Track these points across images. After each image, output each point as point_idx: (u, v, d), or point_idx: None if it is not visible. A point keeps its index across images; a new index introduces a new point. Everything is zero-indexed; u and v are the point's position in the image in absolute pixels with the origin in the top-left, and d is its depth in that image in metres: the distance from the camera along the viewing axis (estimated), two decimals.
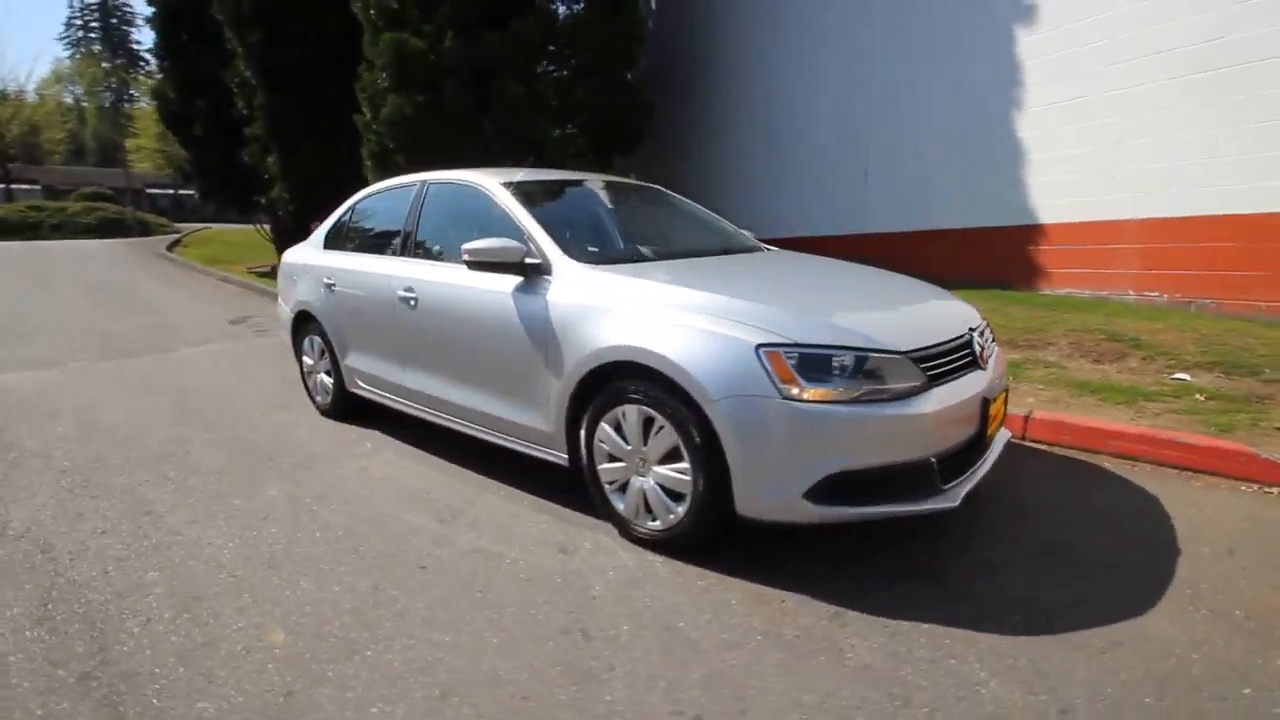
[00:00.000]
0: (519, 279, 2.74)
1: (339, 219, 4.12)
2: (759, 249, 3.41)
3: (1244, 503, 2.63)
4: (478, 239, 2.71)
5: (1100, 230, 5.60)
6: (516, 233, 2.82)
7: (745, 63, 9.26)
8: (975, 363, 2.35)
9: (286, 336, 4.52)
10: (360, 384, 3.79)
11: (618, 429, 2.41)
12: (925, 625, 1.91)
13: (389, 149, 8.57)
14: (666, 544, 2.34)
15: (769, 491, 2.07)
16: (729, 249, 3.26)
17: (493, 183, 3.10)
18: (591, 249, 2.84)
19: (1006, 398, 2.62)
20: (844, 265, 3.14)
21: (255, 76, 10.35)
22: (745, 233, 3.71)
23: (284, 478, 3.23)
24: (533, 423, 2.73)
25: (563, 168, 8.30)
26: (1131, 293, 5.46)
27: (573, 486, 2.83)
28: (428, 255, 3.28)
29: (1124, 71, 5.30)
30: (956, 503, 2.13)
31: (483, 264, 2.72)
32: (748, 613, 2.01)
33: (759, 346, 2.06)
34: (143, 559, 2.47)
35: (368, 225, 3.90)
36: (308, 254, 4.26)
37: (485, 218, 3.03)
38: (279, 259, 4.85)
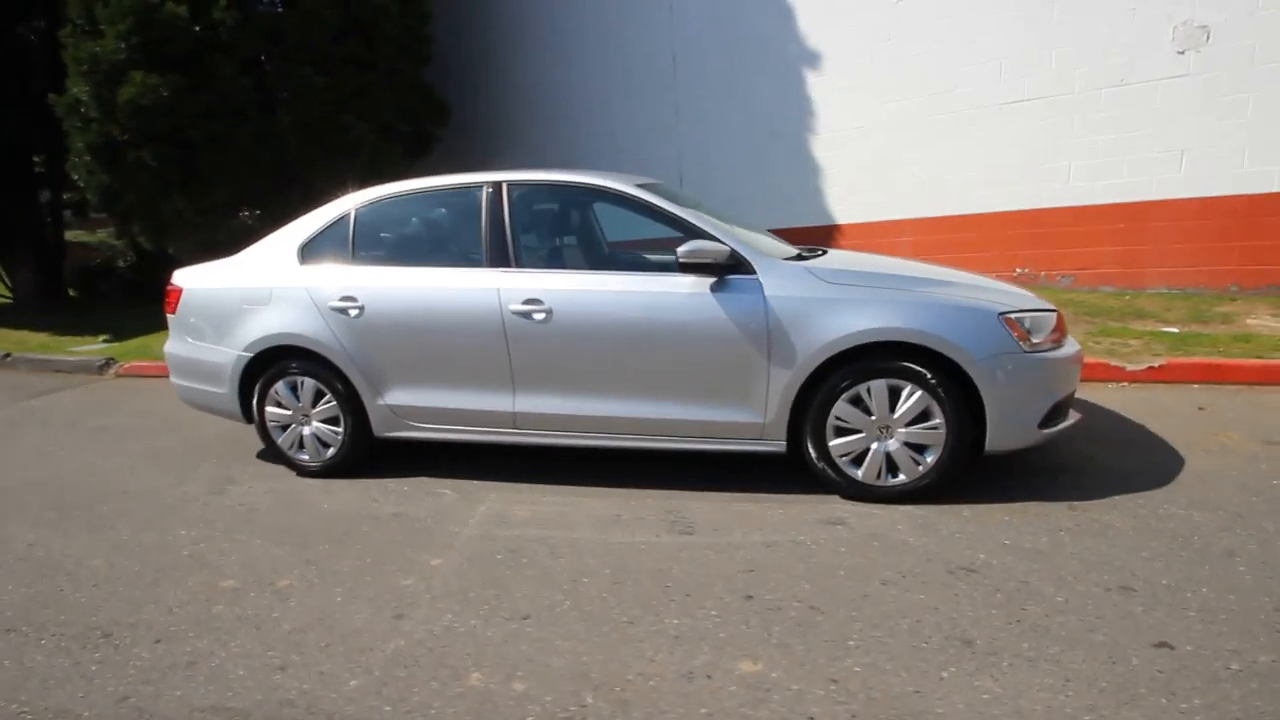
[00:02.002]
0: (709, 279, 2.77)
1: (327, 227, 3.30)
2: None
3: (1125, 394, 4.11)
4: (689, 243, 2.68)
5: (883, 228, 7.43)
6: (695, 234, 2.81)
7: (539, 69, 9.42)
8: None
9: (218, 388, 3.40)
10: (414, 423, 3.17)
11: (855, 404, 2.70)
12: (1119, 496, 2.70)
13: (121, 141, 6.53)
14: (909, 494, 2.72)
15: (1016, 427, 2.64)
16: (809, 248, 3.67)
17: (627, 185, 2.99)
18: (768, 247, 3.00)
19: None
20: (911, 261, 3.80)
21: None
22: None
23: (412, 545, 2.64)
24: (743, 418, 2.80)
25: (380, 173, 7.49)
26: None
27: (746, 472, 3.01)
28: (550, 264, 2.96)
29: (889, 105, 7.12)
30: (1080, 415, 2.99)
31: (693, 266, 2.68)
32: (1020, 522, 2.54)
33: (1000, 314, 2.62)
34: (419, 669, 1.90)
35: (399, 234, 3.25)
36: (270, 273, 3.30)
37: (635, 220, 2.92)
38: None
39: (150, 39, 6.06)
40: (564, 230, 3.20)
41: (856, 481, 2.76)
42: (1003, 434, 2.64)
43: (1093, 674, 1.74)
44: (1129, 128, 5.96)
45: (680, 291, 2.79)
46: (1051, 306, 2.90)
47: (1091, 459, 3.11)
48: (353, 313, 3.13)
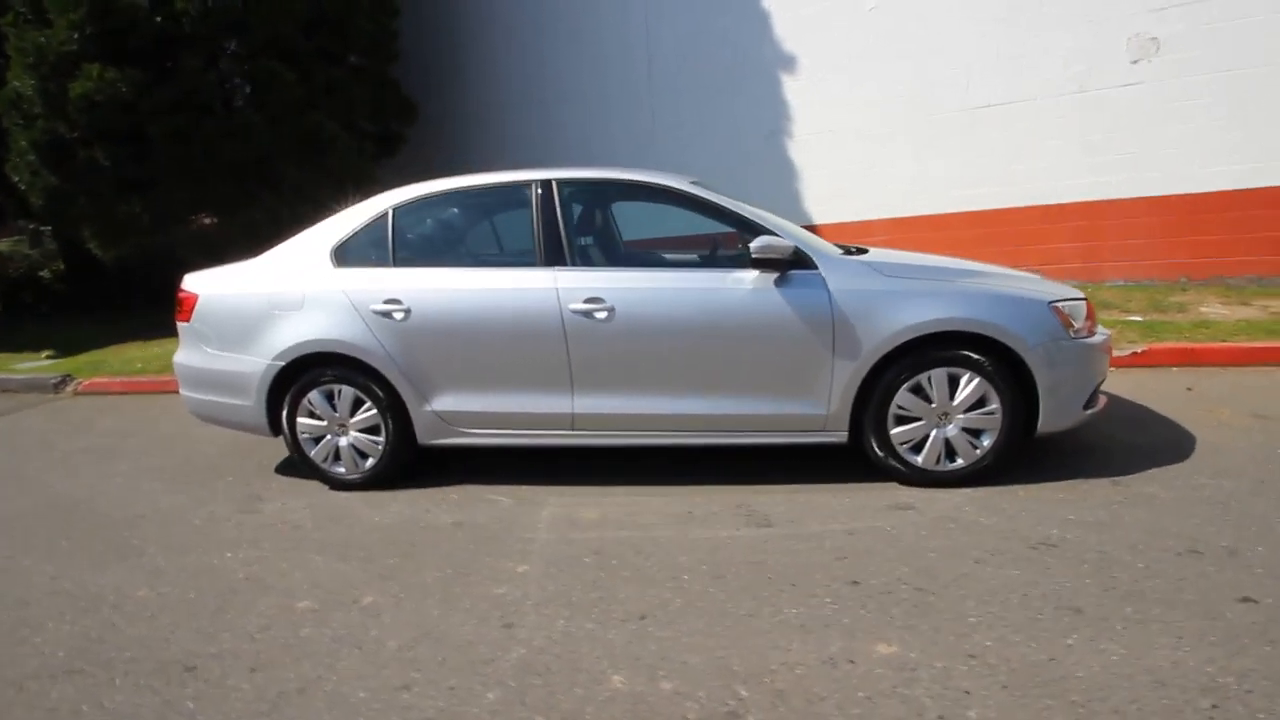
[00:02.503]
0: (772, 275, 2.81)
1: (363, 228, 3.16)
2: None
3: (1115, 378, 4.33)
4: (760, 238, 2.73)
5: (858, 227, 7.69)
6: (758, 230, 2.86)
7: (507, 70, 9.29)
8: None
9: (242, 400, 3.21)
10: (464, 429, 3.08)
11: (915, 392, 2.80)
12: (1151, 470, 2.88)
13: (70, 139, 6.06)
14: (967, 478, 2.84)
15: (1064, 409, 2.80)
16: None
17: (682, 183, 3.02)
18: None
19: None
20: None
21: None
22: None
23: (488, 554, 2.59)
24: (806, 410, 2.85)
25: (352, 174, 7.23)
26: None
27: (797, 463, 3.10)
28: (608, 262, 2.94)
29: (865, 110, 7.38)
30: (1107, 398, 3.19)
31: (764, 262, 2.72)
32: (1075, 499, 2.69)
33: (1049, 303, 2.77)
34: (555, 676, 1.87)
35: (442, 234, 3.15)
36: (301, 277, 3.15)
37: (692, 219, 2.94)
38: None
39: (106, 29, 5.63)
40: (633, 228, 3.19)
41: (917, 467, 2.85)
42: (1053, 416, 2.79)
43: (1199, 630, 1.88)
44: (1088, 132, 6.39)
45: (744, 288, 2.83)
46: (1083, 295, 3.09)
47: (1112, 438, 3.33)
48: (398, 316, 3.01)
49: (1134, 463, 2.99)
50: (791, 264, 2.80)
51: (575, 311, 2.89)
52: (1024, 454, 3.01)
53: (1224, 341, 4.65)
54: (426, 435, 3.13)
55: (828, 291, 2.79)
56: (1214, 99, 5.79)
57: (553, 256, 2.98)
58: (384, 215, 3.17)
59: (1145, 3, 5.94)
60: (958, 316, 2.72)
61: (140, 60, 5.83)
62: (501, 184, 3.16)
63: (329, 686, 1.87)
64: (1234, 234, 5.98)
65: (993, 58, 6.63)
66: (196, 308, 3.29)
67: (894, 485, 2.92)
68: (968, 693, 1.70)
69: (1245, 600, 2.00)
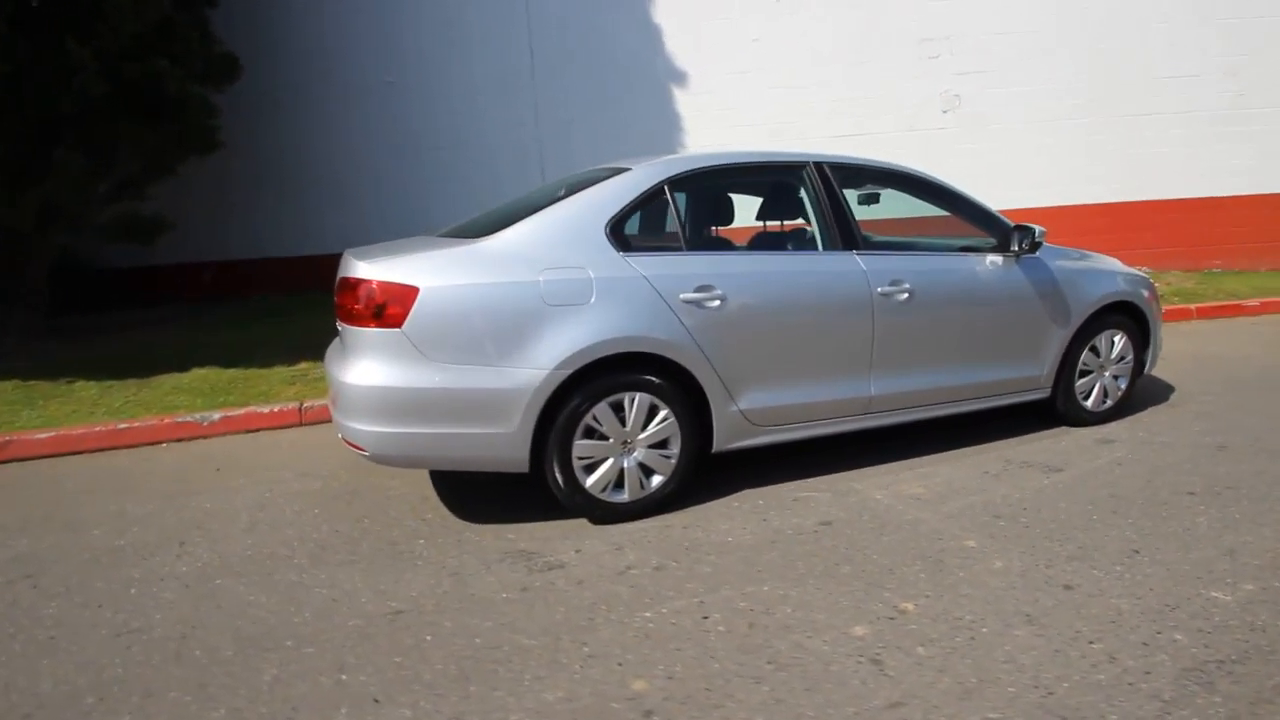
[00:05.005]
0: (1014, 258, 3.25)
1: (640, 203, 2.65)
2: None
3: None
4: (1037, 227, 3.12)
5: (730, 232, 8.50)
6: (1004, 223, 3.28)
7: (353, 44, 7.87)
8: None
9: (496, 426, 2.44)
10: (769, 427, 2.84)
11: (1091, 351, 3.51)
12: (1182, 394, 4.10)
13: None
14: (1110, 415, 3.66)
15: (1156, 357, 3.81)
16: None
17: (919, 170, 3.25)
18: None
19: None
20: None
21: None
22: None
23: (913, 544, 2.53)
24: (1032, 373, 3.38)
25: (198, 139, 5.60)
26: None
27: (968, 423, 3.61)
28: (894, 246, 3.00)
29: (748, 129, 8.20)
30: None
31: (1034, 245, 3.12)
32: (1178, 415, 3.70)
33: (1149, 279, 3.74)
34: (1178, 613, 2.00)
35: (723, 213, 2.78)
36: (579, 261, 2.47)
37: (940, 208, 3.21)
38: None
39: None
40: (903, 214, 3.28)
41: (1088, 410, 3.59)
42: (1153, 363, 3.80)
43: None
44: (915, 162, 8.18)
45: (999, 270, 3.22)
46: None
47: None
48: (712, 305, 2.62)
49: (1164, 392, 4.17)
50: (1032, 249, 3.29)
51: (882, 294, 2.92)
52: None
53: None
54: (724, 440, 2.78)
55: (1051, 270, 3.34)
56: (995, 142, 8.05)
57: (848, 240, 2.95)
58: (660, 190, 2.71)
59: (952, 68, 7.95)
60: (1121, 290, 3.54)
61: None
62: (771, 163, 3.00)
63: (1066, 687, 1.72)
64: None
65: (850, 97, 8.08)
66: (417, 306, 2.32)
67: (1060, 428, 3.60)
68: None
69: None
